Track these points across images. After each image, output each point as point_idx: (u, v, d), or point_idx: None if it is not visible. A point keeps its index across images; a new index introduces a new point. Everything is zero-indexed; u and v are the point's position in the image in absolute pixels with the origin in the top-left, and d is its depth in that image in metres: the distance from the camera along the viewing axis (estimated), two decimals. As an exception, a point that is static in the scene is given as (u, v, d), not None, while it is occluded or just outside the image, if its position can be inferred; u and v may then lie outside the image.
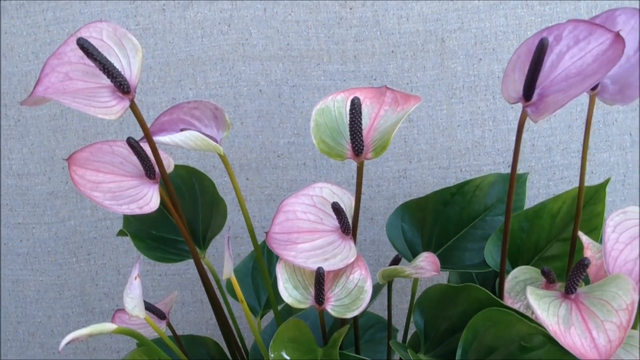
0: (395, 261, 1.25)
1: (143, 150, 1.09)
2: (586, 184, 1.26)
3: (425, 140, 1.53)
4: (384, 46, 1.50)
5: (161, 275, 1.63)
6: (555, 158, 1.54)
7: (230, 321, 1.30)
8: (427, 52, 1.50)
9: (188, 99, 1.54)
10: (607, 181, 1.24)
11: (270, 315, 1.39)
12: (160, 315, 1.23)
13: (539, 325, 1.01)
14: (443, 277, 1.42)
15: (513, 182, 1.08)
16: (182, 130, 1.11)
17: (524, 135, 1.52)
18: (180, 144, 1.07)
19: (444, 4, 1.48)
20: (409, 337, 1.26)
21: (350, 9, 1.49)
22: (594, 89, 1.07)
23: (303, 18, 1.50)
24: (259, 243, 1.32)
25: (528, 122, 1.50)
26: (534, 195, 1.54)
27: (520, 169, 1.52)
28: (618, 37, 1.00)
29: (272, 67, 1.52)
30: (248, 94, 1.54)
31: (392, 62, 1.51)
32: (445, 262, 1.27)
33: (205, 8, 1.51)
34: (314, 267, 1.06)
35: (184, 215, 1.27)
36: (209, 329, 1.65)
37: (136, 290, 1.09)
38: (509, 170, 1.50)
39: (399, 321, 1.56)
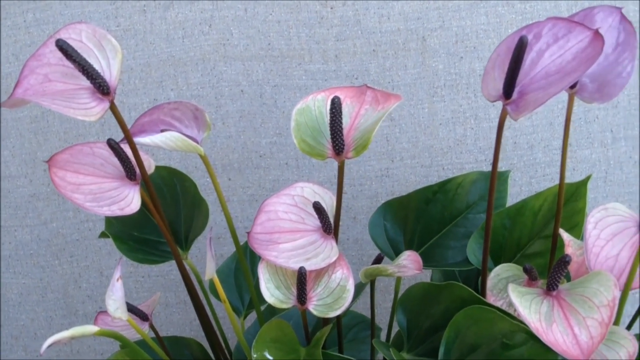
0: (378, 260, 1.25)
1: (123, 152, 1.08)
2: (568, 181, 1.26)
3: (407, 139, 1.53)
4: (365, 45, 1.50)
5: (144, 276, 1.63)
6: (537, 155, 1.54)
7: (213, 322, 1.30)
8: (409, 51, 1.50)
9: (169, 99, 1.54)
10: (588, 178, 1.24)
11: (253, 316, 1.39)
12: (143, 316, 1.22)
13: (521, 322, 1.01)
14: (426, 276, 1.42)
15: (494, 180, 1.08)
16: (162, 131, 1.11)
17: (506, 133, 1.53)
18: (160, 145, 1.06)
19: (424, 2, 1.48)
20: (392, 335, 1.26)
21: (331, 8, 1.49)
22: (573, 87, 1.08)
23: (284, 18, 1.50)
24: (242, 243, 1.32)
25: (509, 120, 1.51)
26: (516, 192, 1.55)
27: (502, 167, 1.53)
28: (597, 35, 1.01)
29: (254, 67, 1.52)
30: (229, 94, 1.53)
31: (374, 61, 1.51)
32: (428, 261, 1.27)
33: (186, 8, 1.51)
34: (296, 266, 1.06)
35: (166, 216, 1.27)
36: (193, 330, 1.65)
37: (118, 292, 1.09)
38: (490, 168, 1.51)
39: (382, 320, 1.57)
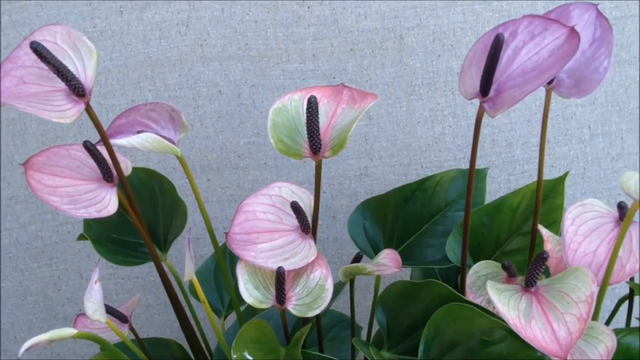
0: (357, 259, 1.25)
1: (100, 154, 1.08)
2: (546, 177, 1.26)
3: (385, 138, 1.53)
4: (342, 44, 1.50)
5: (124, 278, 1.62)
6: (516, 152, 1.54)
7: (193, 323, 1.30)
8: (386, 50, 1.50)
9: (147, 101, 1.53)
10: (565, 174, 1.25)
11: (234, 316, 1.39)
12: (122, 318, 1.22)
13: (500, 319, 1.01)
14: (406, 274, 1.42)
15: (472, 177, 1.09)
16: (139, 132, 1.11)
17: (484, 131, 1.53)
18: (137, 147, 1.06)
19: (401, 1, 1.48)
20: (373, 334, 1.26)
21: (308, 7, 1.49)
22: (550, 83, 1.08)
23: (261, 17, 1.50)
24: (221, 244, 1.31)
25: (487, 118, 1.51)
26: (495, 190, 1.55)
27: (480, 164, 1.53)
28: (573, 32, 1.01)
29: (231, 68, 1.52)
30: (207, 94, 1.53)
31: (351, 60, 1.51)
32: (407, 259, 1.27)
33: (163, 9, 1.51)
34: (275, 266, 1.05)
35: (145, 218, 1.27)
36: (174, 331, 1.64)
37: (97, 294, 1.09)
38: (469, 166, 1.51)
39: (363, 319, 1.56)
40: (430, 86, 1.51)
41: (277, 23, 1.50)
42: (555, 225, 1.22)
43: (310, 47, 1.50)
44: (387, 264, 1.15)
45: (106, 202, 1.08)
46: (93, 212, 1.07)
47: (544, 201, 1.24)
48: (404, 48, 1.50)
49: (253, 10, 1.50)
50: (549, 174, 1.53)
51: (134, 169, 1.27)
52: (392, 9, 1.49)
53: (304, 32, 1.50)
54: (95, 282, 1.08)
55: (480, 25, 1.50)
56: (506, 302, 1.01)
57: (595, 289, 1.01)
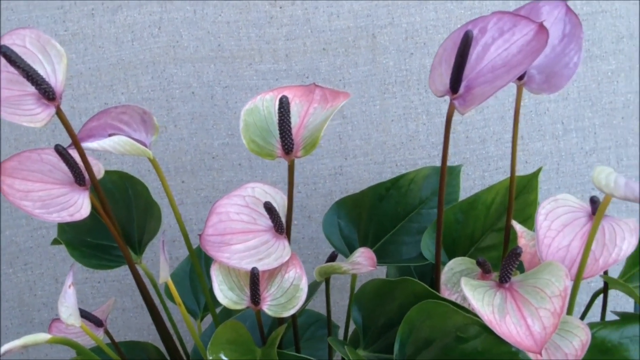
0: (332, 258, 1.25)
1: (72, 158, 1.08)
2: (521, 173, 1.27)
3: (359, 136, 1.53)
4: (315, 44, 1.50)
5: (100, 282, 1.61)
6: (490, 149, 1.55)
7: (170, 325, 1.29)
8: (359, 49, 1.50)
9: (120, 103, 1.52)
10: (539, 170, 1.25)
11: (211, 318, 1.38)
12: (98, 322, 1.21)
13: (475, 315, 1.01)
14: (383, 272, 1.42)
15: (444, 174, 1.09)
16: (110, 135, 1.10)
17: (458, 128, 1.54)
18: (109, 150, 1.06)
19: (374, 0, 1.48)
20: (350, 333, 1.26)
21: (281, 7, 1.49)
22: (520, 79, 1.09)
23: (233, 18, 1.49)
24: (196, 246, 1.31)
25: (461, 115, 1.52)
26: (470, 186, 1.55)
27: (454, 161, 1.54)
28: (542, 28, 1.02)
29: (204, 69, 1.51)
30: (181, 96, 1.53)
31: (324, 59, 1.51)
32: (383, 257, 1.27)
33: (135, 11, 1.50)
34: (249, 267, 1.05)
35: (119, 221, 1.26)
36: (151, 334, 1.64)
37: (70, 298, 1.08)
38: (444, 163, 1.51)
39: (340, 318, 1.56)
40: (403, 84, 1.52)
41: (249, 24, 1.50)
42: (529, 220, 1.23)
43: (283, 47, 1.50)
44: (362, 262, 1.15)
45: (78, 206, 1.07)
46: (65, 216, 1.06)
47: (518, 197, 1.25)
48: (376, 47, 1.50)
49: (225, 11, 1.49)
50: (523, 170, 1.53)
51: (107, 172, 1.27)
52: (365, 7, 1.49)
53: (276, 33, 1.50)
54: (69, 286, 1.08)
55: (453, 23, 1.50)
56: (480, 298, 1.01)
57: (569, 284, 1.01)
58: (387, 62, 1.51)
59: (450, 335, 1.03)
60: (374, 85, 1.52)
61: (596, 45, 1.53)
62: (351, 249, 1.28)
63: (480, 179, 1.56)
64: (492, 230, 1.25)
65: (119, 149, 1.06)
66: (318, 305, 1.51)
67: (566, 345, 1.04)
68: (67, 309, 1.08)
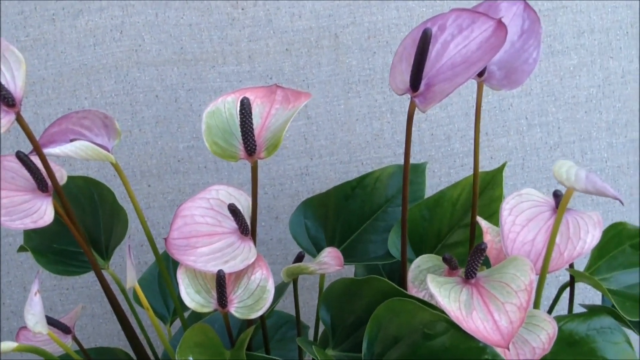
0: (299, 258, 1.25)
1: (33, 164, 1.07)
2: (486, 169, 1.28)
3: (324, 136, 1.54)
4: (278, 45, 1.50)
5: (68, 289, 1.61)
6: (455, 146, 1.56)
7: (139, 331, 1.29)
8: (322, 48, 1.51)
9: (84, 108, 1.52)
10: (503, 166, 1.26)
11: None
12: (65, 329, 1.20)
13: (441, 312, 1.01)
14: (352, 272, 1.42)
15: (407, 172, 1.09)
16: (72, 140, 1.10)
17: (423, 125, 1.54)
18: (71, 155, 1.05)
19: (335, 0, 1.49)
20: (320, 333, 1.26)
21: (242, 9, 1.49)
22: (481, 75, 1.09)
23: (195, 21, 1.49)
24: (163, 250, 1.31)
25: (425, 112, 1.52)
26: (436, 184, 1.56)
27: (420, 159, 1.54)
28: (500, 24, 1.02)
29: (167, 72, 1.51)
30: (144, 100, 1.52)
31: (287, 60, 1.51)
32: (350, 256, 1.27)
33: (96, 16, 1.49)
34: (215, 270, 1.05)
35: (85, 226, 1.26)
36: (122, 339, 1.63)
37: (37, 306, 1.07)
38: (410, 161, 1.51)
39: (312, 318, 1.56)
40: (367, 83, 1.52)
41: (211, 26, 1.49)
42: (495, 216, 1.23)
43: (246, 49, 1.50)
44: (329, 262, 1.15)
45: (42, 212, 1.07)
46: (29, 223, 1.06)
47: (483, 193, 1.25)
48: (339, 46, 1.51)
49: (187, 13, 1.49)
50: (488, 166, 1.54)
51: (72, 178, 1.26)
52: (326, 7, 1.49)
53: (238, 34, 1.50)
54: (35, 293, 1.07)
55: (414, 21, 1.50)
56: (447, 295, 1.01)
57: (535, 278, 1.02)
58: (350, 61, 1.51)
59: (417, 333, 1.03)
60: (337, 85, 1.52)
61: (557, 40, 1.54)
62: (318, 249, 1.29)
63: (446, 175, 1.57)
64: (459, 227, 1.25)
65: (80, 154, 1.06)
66: (289, 306, 1.51)
67: (533, 339, 1.04)
68: (34, 316, 1.07)
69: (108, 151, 1.13)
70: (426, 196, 1.31)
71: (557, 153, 1.58)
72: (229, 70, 1.51)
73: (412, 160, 1.50)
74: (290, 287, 1.35)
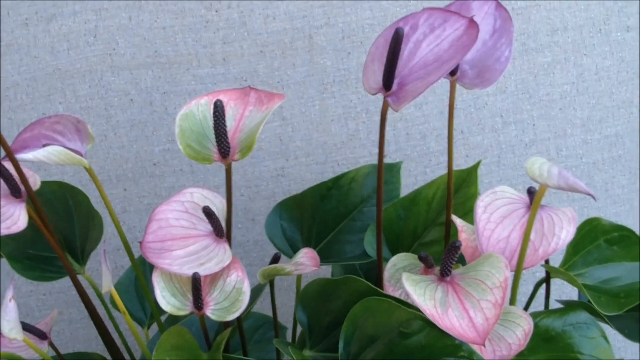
0: (275, 260, 1.25)
1: (6, 170, 1.06)
2: (462, 167, 1.28)
3: (300, 137, 1.54)
4: (252, 46, 1.50)
5: (45, 294, 1.60)
6: (430, 144, 1.56)
7: (117, 335, 1.29)
8: (296, 50, 1.51)
9: (58, 113, 1.51)
10: (478, 164, 1.26)
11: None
12: (41, 335, 1.20)
13: (417, 310, 1.02)
14: (329, 272, 1.42)
15: (381, 171, 1.09)
16: (45, 145, 1.09)
17: (398, 125, 1.54)
18: (43, 160, 1.05)
19: (309, 1, 1.49)
20: (298, 334, 1.26)
21: (216, 11, 1.49)
22: (453, 74, 1.10)
23: (169, 24, 1.49)
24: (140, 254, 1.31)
25: (401, 112, 1.53)
26: (412, 183, 1.56)
27: (395, 158, 1.54)
28: (472, 22, 1.02)
29: (142, 76, 1.51)
30: (119, 104, 1.52)
31: (262, 61, 1.51)
32: (327, 257, 1.27)
33: (70, 20, 1.49)
34: (190, 272, 1.05)
35: (60, 231, 1.25)
36: (100, 344, 1.62)
37: (12, 312, 1.07)
38: (386, 161, 1.52)
39: (290, 319, 1.56)
40: (342, 84, 1.52)
41: (185, 29, 1.49)
42: (470, 214, 1.24)
43: (220, 51, 1.50)
44: (306, 262, 1.15)
45: (15, 218, 1.06)
46: (2, 229, 1.05)
47: (458, 191, 1.26)
48: (313, 47, 1.51)
49: (161, 17, 1.49)
50: (464, 164, 1.55)
51: (47, 183, 1.26)
52: (300, 8, 1.49)
53: (213, 37, 1.49)
54: (10, 299, 1.07)
55: (388, 21, 1.51)
56: (422, 293, 1.02)
57: (509, 274, 1.02)
58: (324, 62, 1.51)
59: (393, 331, 1.03)
60: (312, 85, 1.52)
61: (531, 38, 1.55)
62: (295, 250, 1.29)
63: (422, 174, 1.57)
64: (435, 225, 1.26)
65: (53, 159, 1.05)
66: (267, 307, 1.52)
67: (509, 335, 1.05)
68: (9, 322, 1.06)
69: (81, 156, 1.12)
70: (402, 195, 1.31)
71: (532, 150, 1.59)
72: (203, 73, 1.51)
73: (388, 160, 1.51)
74: (268, 288, 1.35)
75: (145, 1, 1.48)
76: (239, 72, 1.51)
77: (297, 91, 1.52)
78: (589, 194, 0.96)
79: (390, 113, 1.06)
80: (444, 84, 1.48)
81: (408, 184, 1.55)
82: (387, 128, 1.53)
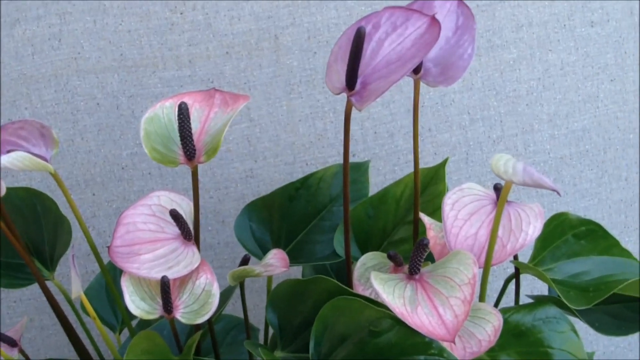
0: (244, 261, 1.25)
1: (-30, 177, 1.06)
2: (430, 165, 1.28)
3: (268, 138, 1.54)
4: (218, 48, 1.50)
5: (16, 301, 1.59)
6: (398, 143, 1.56)
7: (88, 340, 1.28)
8: (262, 50, 1.51)
9: (24, 118, 1.50)
10: (445, 161, 1.27)
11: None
12: (11, 342, 1.19)
13: (387, 308, 1.02)
14: (300, 273, 1.42)
15: (347, 170, 1.09)
16: (9, 152, 1.09)
17: (366, 123, 1.55)
18: (8, 166, 1.04)
19: (274, 1, 1.49)
20: (270, 335, 1.26)
21: (181, 13, 1.48)
22: (417, 72, 1.10)
23: (134, 27, 1.48)
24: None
25: (368, 110, 1.53)
26: (381, 181, 1.56)
27: (364, 157, 1.55)
28: (434, 20, 1.03)
29: (108, 79, 1.50)
30: (86, 108, 1.51)
31: (228, 63, 1.50)
32: (297, 257, 1.27)
33: (34, 24, 1.48)
34: (159, 276, 1.05)
35: (29, 237, 1.25)
36: (72, 350, 1.61)
37: (-20, 320, 1.06)
38: (354, 160, 1.52)
39: (262, 321, 1.56)
40: (308, 84, 1.52)
41: (150, 31, 1.49)
42: (439, 211, 1.23)
43: (186, 53, 1.50)
44: (275, 264, 1.15)
45: (-19, 226, 1.06)
46: (-32, 237, 1.05)
47: (426, 189, 1.26)
48: (279, 48, 1.51)
49: (126, 20, 1.48)
50: (432, 162, 1.55)
51: (14, 189, 1.25)
52: (266, 9, 1.49)
53: (178, 39, 1.49)
54: (-22, 308, 1.06)
55: (354, 20, 1.49)
56: (391, 292, 1.02)
57: (478, 271, 1.03)
58: (291, 62, 1.51)
59: (363, 330, 1.03)
60: (279, 86, 1.52)
61: (497, 34, 1.55)
62: (264, 251, 1.28)
63: (391, 173, 1.57)
64: (404, 223, 1.26)
65: (18, 164, 1.05)
66: (239, 309, 1.51)
67: (479, 331, 1.05)
68: (-23, 331, 1.06)
69: (46, 161, 1.12)
70: (371, 194, 1.31)
71: (500, 146, 1.59)
72: (169, 76, 1.50)
73: (356, 159, 1.51)
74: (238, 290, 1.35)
75: (110, 4, 1.47)
76: (205, 74, 1.50)
77: (264, 92, 1.52)
78: (554, 190, 0.97)
79: (357, 112, 1.06)
80: (411, 82, 1.49)
81: (377, 183, 1.55)
82: (355, 127, 1.54)
